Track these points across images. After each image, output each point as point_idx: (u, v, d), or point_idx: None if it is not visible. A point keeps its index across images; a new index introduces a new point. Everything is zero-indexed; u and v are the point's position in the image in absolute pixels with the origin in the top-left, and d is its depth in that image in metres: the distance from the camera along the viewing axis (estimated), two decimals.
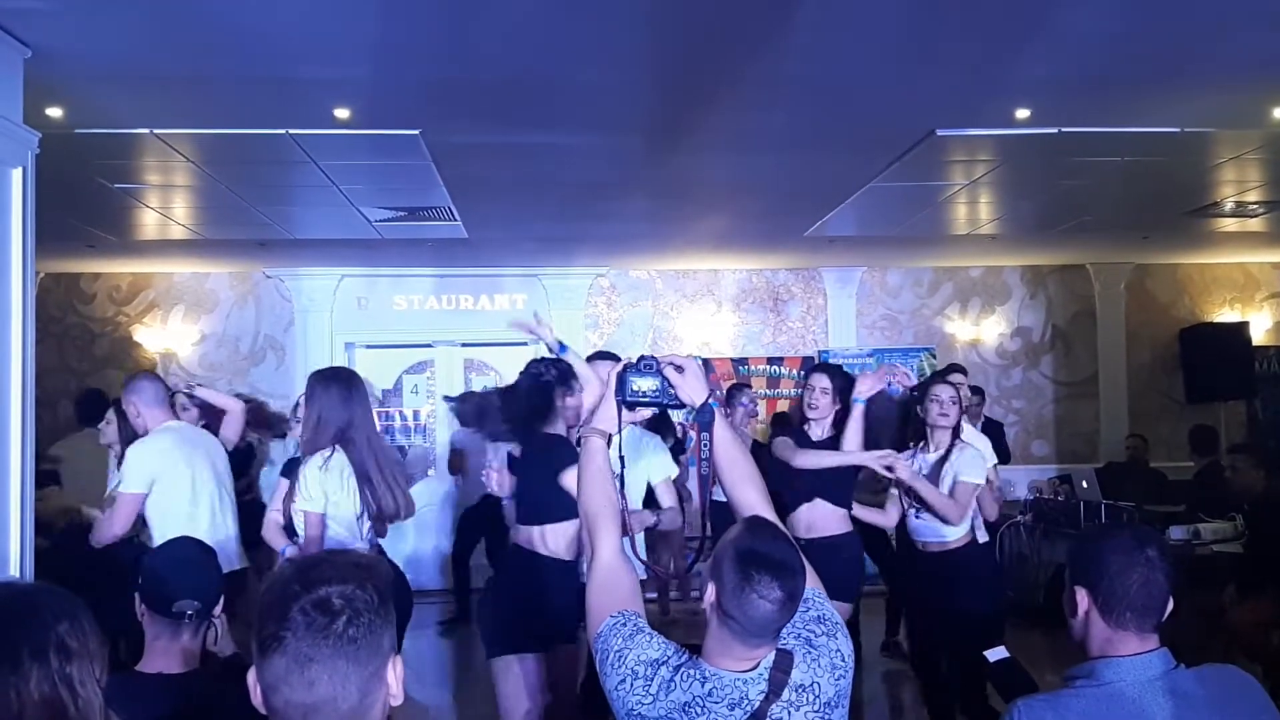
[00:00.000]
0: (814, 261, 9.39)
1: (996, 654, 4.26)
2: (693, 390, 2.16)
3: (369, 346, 9.55)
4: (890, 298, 9.79)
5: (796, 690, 1.82)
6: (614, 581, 2.02)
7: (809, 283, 9.70)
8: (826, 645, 1.89)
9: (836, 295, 9.68)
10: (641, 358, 2.19)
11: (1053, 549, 7.41)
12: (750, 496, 2.14)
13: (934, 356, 9.47)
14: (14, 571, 3.59)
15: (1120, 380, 9.79)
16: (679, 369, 2.17)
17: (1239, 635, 5.34)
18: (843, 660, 1.90)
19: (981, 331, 9.75)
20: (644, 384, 2.16)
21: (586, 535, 2.12)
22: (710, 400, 2.15)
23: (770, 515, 2.09)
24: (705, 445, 2.14)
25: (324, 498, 3.68)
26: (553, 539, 3.65)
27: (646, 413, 2.25)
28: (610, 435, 2.19)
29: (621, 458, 2.13)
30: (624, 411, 2.17)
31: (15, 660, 1.42)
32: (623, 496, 2.12)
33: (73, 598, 1.54)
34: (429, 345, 9.57)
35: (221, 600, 2.50)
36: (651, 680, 1.84)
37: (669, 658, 1.87)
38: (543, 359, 4.04)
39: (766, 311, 9.67)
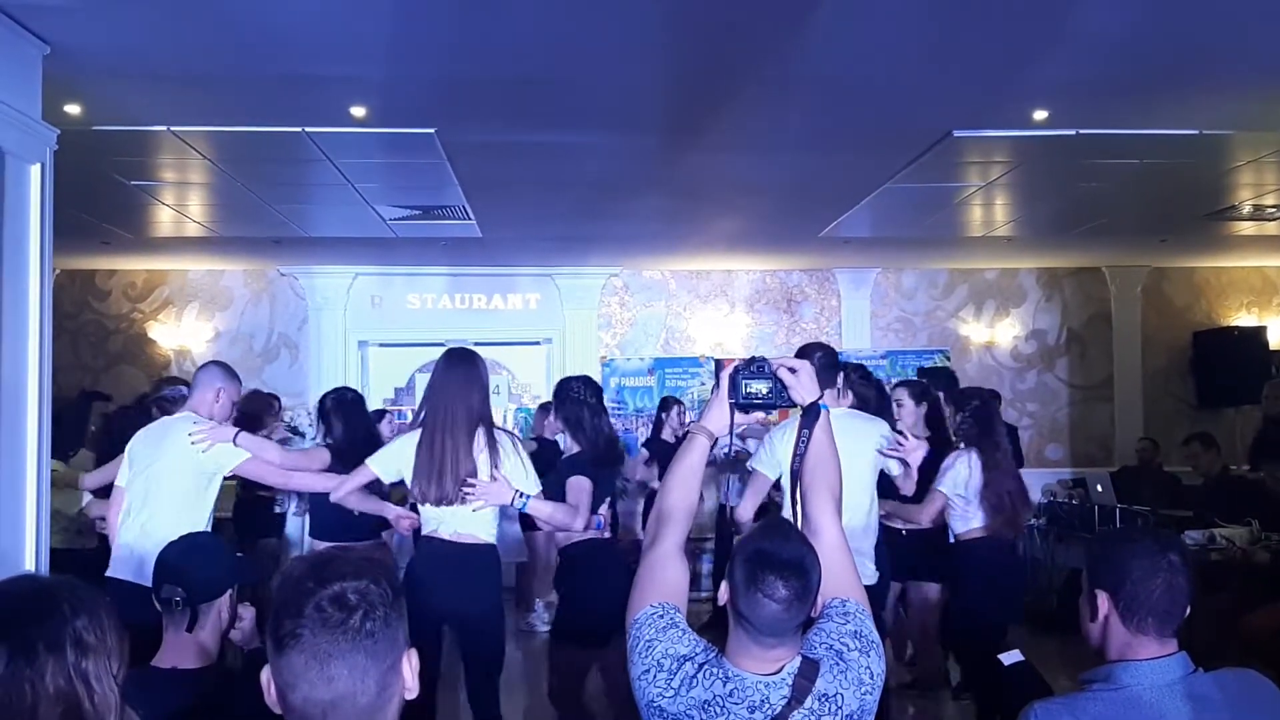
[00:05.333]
0: (828, 263, 9.37)
1: (1010, 657, 4.22)
2: (806, 390, 2.15)
3: (382, 345, 9.57)
4: (905, 299, 9.75)
5: (819, 699, 1.81)
6: (665, 573, 2.02)
7: (823, 284, 9.68)
8: (857, 661, 1.88)
9: (851, 297, 9.65)
10: (753, 359, 2.18)
11: (1067, 553, 7.38)
12: (818, 501, 2.12)
13: (948, 359, 9.43)
14: (29, 566, 3.61)
15: (1136, 384, 9.73)
16: (793, 370, 2.16)
17: (1253, 641, 5.29)
18: (871, 677, 1.88)
19: (996, 334, 9.71)
20: (757, 386, 2.15)
21: (653, 523, 2.13)
22: (820, 402, 2.14)
23: (834, 524, 2.09)
24: (803, 442, 2.14)
25: None
26: None
27: (759, 415, 2.24)
28: (716, 438, 2.19)
29: (750, 456, 2.13)
30: (736, 414, 2.17)
31: (31, 653, 1.42)
32: (778, 490, 2.12)
33: (94, 593, 1.54)
34: (442, 344, 9.50)
35: (229, 594, 2.49)
36: (675, 674, 1.84)
37: (696, 654, 1.87)
38: (573, 378, 4.31)
39: (780, 313, 9.65)
